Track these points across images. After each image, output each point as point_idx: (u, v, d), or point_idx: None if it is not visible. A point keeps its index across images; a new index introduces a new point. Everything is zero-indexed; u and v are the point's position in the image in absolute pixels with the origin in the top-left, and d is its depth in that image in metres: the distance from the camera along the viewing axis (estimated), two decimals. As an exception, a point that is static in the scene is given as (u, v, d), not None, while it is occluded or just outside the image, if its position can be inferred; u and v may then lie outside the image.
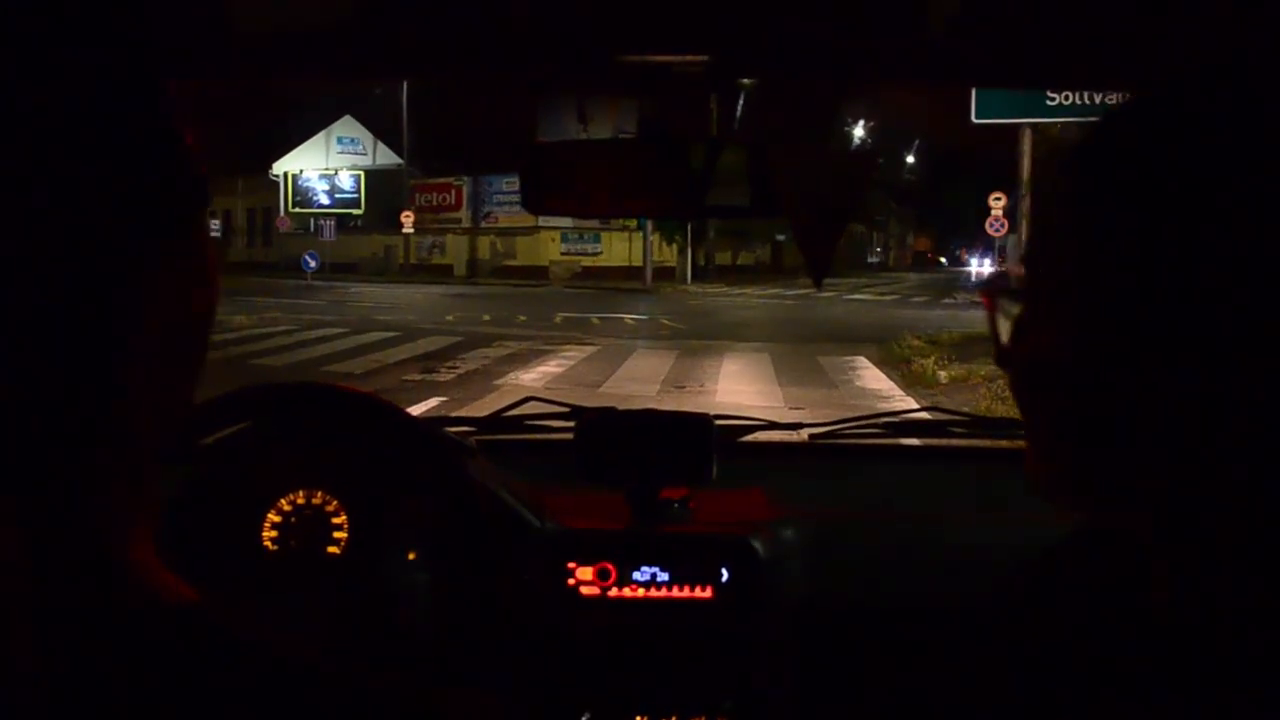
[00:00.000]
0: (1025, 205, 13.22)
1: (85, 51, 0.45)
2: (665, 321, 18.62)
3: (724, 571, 1.39)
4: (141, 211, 0.46)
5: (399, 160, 38.17)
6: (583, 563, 1.39)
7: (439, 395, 9.27)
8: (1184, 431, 0.46)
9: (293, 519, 1.37)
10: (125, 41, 0.47)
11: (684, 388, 9.99)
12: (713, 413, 1.52)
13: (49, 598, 0.44)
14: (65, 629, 0.43)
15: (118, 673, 0.43)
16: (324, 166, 40.71)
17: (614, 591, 1.39)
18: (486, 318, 18.47)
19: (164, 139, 0.48)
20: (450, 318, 18.39)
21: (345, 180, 40.37)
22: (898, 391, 9.96)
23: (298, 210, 39.23)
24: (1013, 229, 16.19)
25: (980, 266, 53.90)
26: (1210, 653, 0.44)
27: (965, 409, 6.42)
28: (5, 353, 0.42)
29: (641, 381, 10.39)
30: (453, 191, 38.36)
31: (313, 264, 27.71)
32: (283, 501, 1.38)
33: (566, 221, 30.94)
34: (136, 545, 0.48)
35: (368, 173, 40.51)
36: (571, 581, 1.39)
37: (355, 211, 40.14)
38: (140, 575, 0.48)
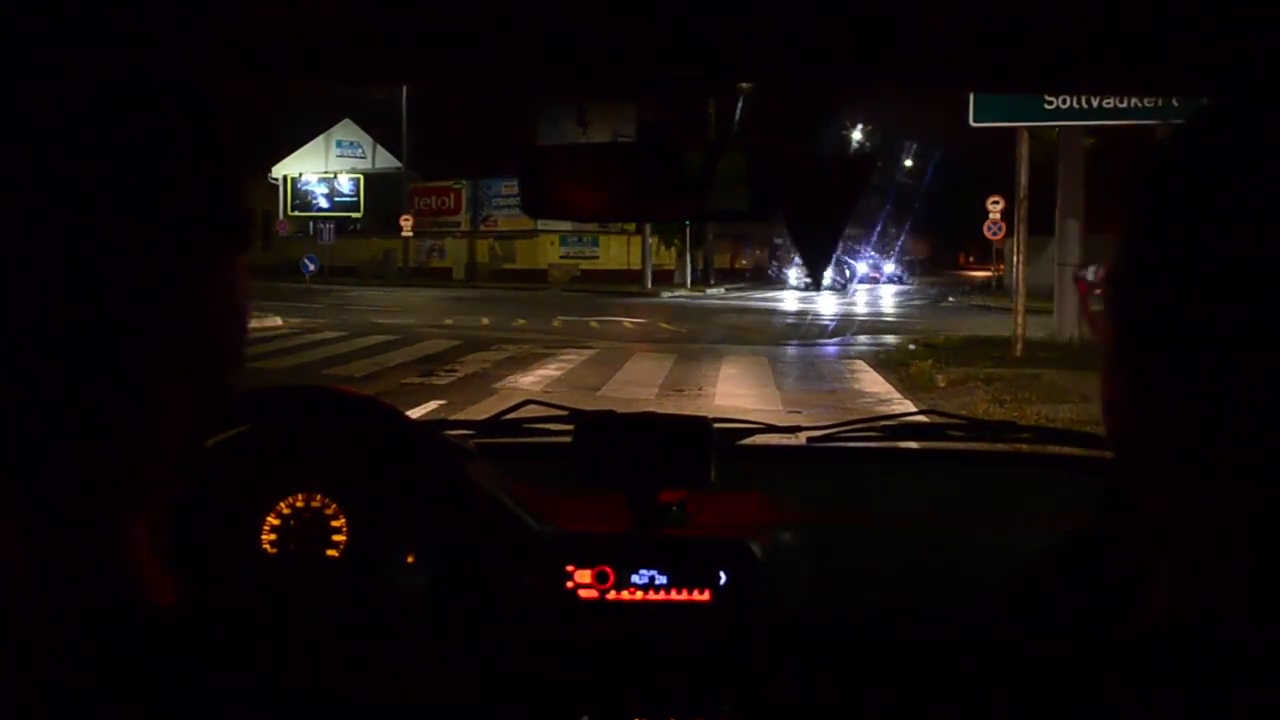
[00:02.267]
0: (1022, 210, 13.21)
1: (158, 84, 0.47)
2: (664, 325, 18.64)
3: (722, 574, 1.39)
4: (168, 222, 0.46)
5: (398, 164, 38.16)
6: (581, 565, 1.40)
7: (438, 398, 9.27)
8: (1185, 431, 0.46)
9: (292, 522, 1.37)
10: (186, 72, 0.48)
11: (682, 391, 9.99)
12: (711, 415, 1.52)
13: (47, 597, 0.44)
14: (63, 629, 0.44)
15: (114, 673, 0.43)
16: (323, 170, 40.69)
17: (612, 594, 1.39)
18: (485, 321, 18.46)
19: (208, 157, 0.49)
20: (449, 321, 18.39)
21: (344, 184, 40.34)
22: (895, 394, 9.96)
23: (297, 214, 39.19)
24: (1010, 233, 16.20)
25: (849, 280, 36.89)
26: (1210, 654, 0.45)
27: (963, 412, 6.42)
28: (11, 352, 0.42)
29: (640, 385, 10.39)
30: (452, 195, 38.36)
31: (312, 267, 27.65)
32: (282, 504, 1.38)
33: (565, 225, 30.94)
34: (140, 545, 0.48)
35: (367, 176, 40.48)
36: (570, 584, 1.39)
37: (354, 215, 40.11)
38: (141, 575, 0.48)
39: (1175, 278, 0.47)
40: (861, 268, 38.97)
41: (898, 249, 42.89)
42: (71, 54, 0.44)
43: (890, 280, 41.54)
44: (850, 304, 27.56)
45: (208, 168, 0.49)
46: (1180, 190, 0.49)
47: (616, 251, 35.59)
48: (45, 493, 0.45)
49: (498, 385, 10.28)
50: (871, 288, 36.50)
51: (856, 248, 39.19)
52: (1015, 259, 13.54)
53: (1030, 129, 12.96)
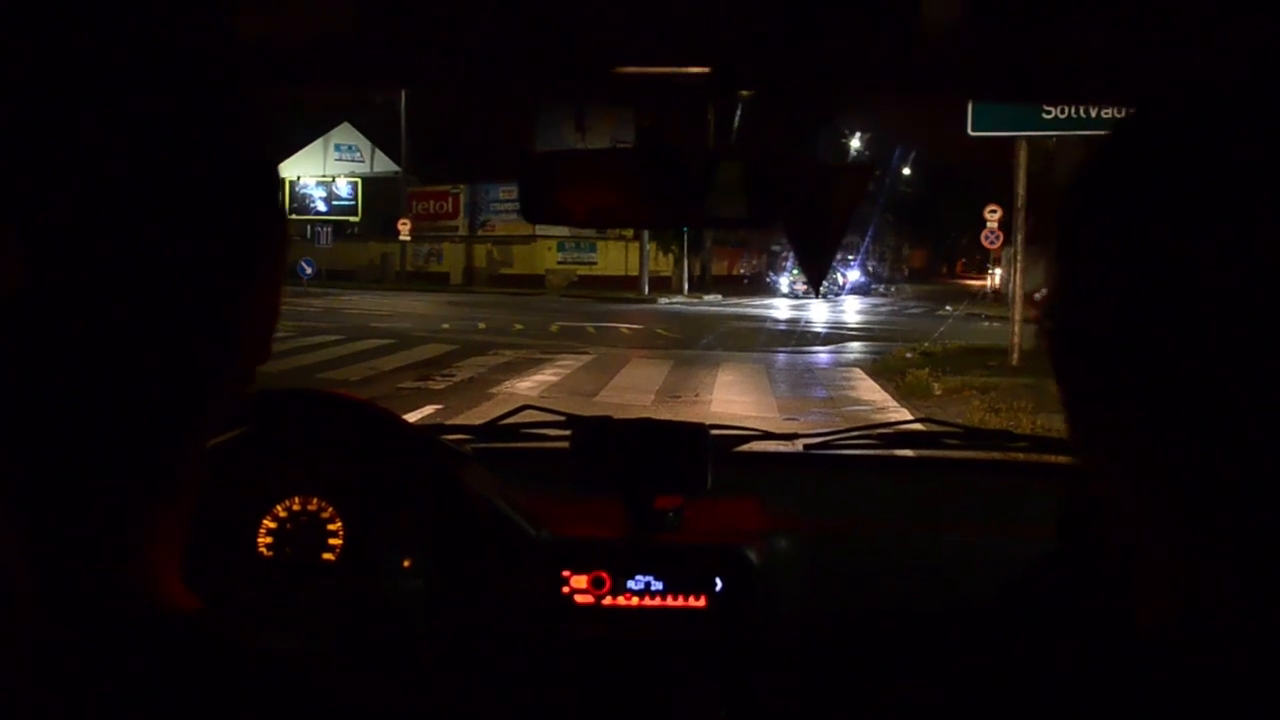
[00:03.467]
0: (1020, 218, 13.21)
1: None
2: (661, 331, 18.64)
3: (718, 581, 1.39)
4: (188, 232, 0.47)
5: (397, 168, 38.13)
6: (577, 571, 1.40)
7: (435, 403, 9.26)
8: (1179, 440, 0.46)
9: (288, 525, 1.37)
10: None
11: (679, 397, 9.99)
12: (708, 422, 1.53)
13: (49, 603, 0.44)
14: (65, 635, 0.44)
15: (118, 680, 0.44)
16: (321, 173, 40.65)
17: (608, 600, 1.40)
18: (483, 326, 18.45)
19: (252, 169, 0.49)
20: (446, 326, 18.37)
21: (343, 187, 40.32)
22: (892, 403, 9.97)
23: (295, 217, 39.12)
24: (1009, 241, 16.22)
25: (843, 289, 36.11)
26: (1200, 664, 0.45)
27: (959, 421, 6.40)
28: (14, 357, 0.43)
29: (637, 391, 10.39)
30: (450, 199, 38.36)
31: (309, 271, 27.59)
32: (278, 508, 1.38)
33: (563, 230, 30.91)
34: (154, 551, 0.48)
35: (365, 180, 40.45)
36: (566, 589, 1.40)
37: (352, 219, 40.10)
38: (147, 581, 0.48)
39: (1099, 296, 0.48)
40: (853, 275, 38.33)
41: (860, 253, 40.87)
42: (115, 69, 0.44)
43: (856, 290, 37.79)
44: (842, 312, 27.56)
45: (248, 168, 0.49)
46: (1100, 208, 0.49)
47: (614, 257, 35.61)
48: (47, 497, 0.45)
49: (494, 390, 10.27)
50: (836, 299, 33.58)
51: (850, 256, 38.81)
52: (1013, 268, 13.53)
53: (1028, 138, 12.96)
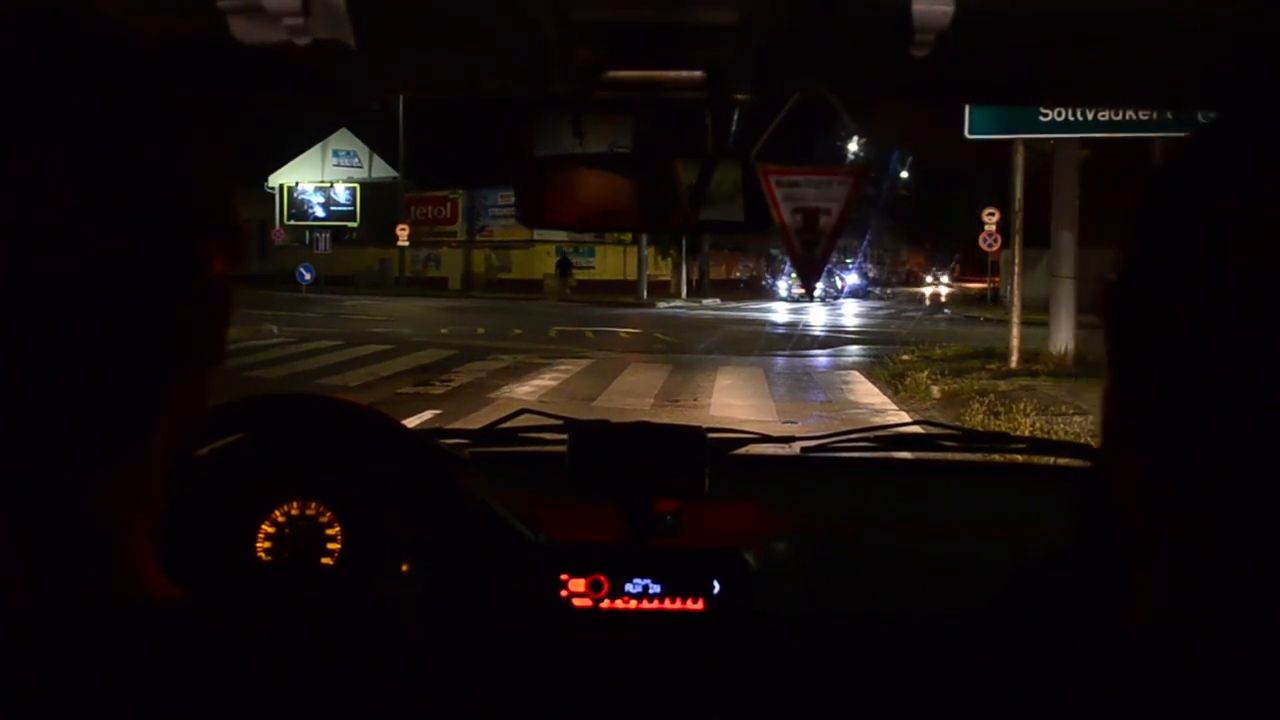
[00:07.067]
0: (1018, 222, 13.21)
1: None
2: (660, 335, 18.65)
3: (716, 584, 1.39)
4: (164, 238, 0.46)
5: (395, 173, 38.15)
6: (575, 574, 1.40)
7: (433, 408, 9.26)
8: (1177, 443, 0.46)
9: (287, 530, 1.37)
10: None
11: (678, 401, 9.99)
12: (706, 426, 1.53)
13: (46, 597, 0.44)
14: (63, 630, 0.44)
15: (113, 674, 0.44)
16: (320, 179, 40.65)
17: (606, 603, 1.40)
18: (481, 331, 18.45)
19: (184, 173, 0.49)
20: (445, 331, 18.37)
21: (341, 193, 40.33)
22: (890, 405, 9.97)
23: (293, 223, 39.15)
24: (1006, 244, 16.23)
25: (840, 292, 35.32)
26: (1191, 664, 0.45)
27: (957, 424, 6.41)
28: (15, 358, 0.43)
29: (635, 395, 10.39)
30: (448, 205, 38.39)
31: (308, 277, 27.57)
32: (277, 512, 1.38)
33: (561, 235, 30.94)
34: (139, 548, 0.49)
35: (363, 185, 40.46)
36: (564, 593, 1.40)
37: (351, 224, 40.11)
38: (138, 577, 0.48)
39: (1173, 287, 0.48)
40: (851, 278, 38.47)
41: (858, 257, 40.95)
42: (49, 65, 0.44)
43: (854, 293, 37.65)
44: (841, 315, 27.56)
45: (184, 167, 0.49)
46: (1182, 202, 0.49)
47: (613, 262, 35.65)
48: (46, 495, 0.45)
49: (493, 395, 10.27)
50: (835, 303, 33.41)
51: (848, 260, 38.96)
52: (1013, 271, 13.52)
53: (1026, 141, 12.97)
